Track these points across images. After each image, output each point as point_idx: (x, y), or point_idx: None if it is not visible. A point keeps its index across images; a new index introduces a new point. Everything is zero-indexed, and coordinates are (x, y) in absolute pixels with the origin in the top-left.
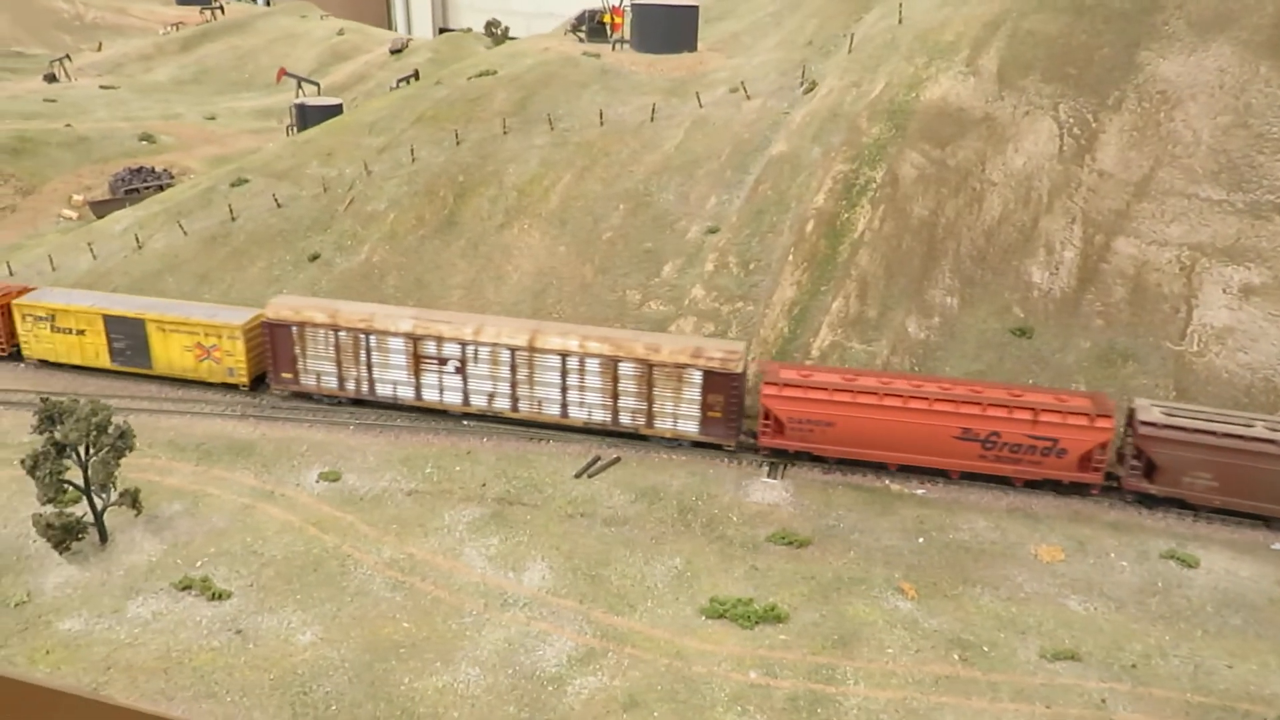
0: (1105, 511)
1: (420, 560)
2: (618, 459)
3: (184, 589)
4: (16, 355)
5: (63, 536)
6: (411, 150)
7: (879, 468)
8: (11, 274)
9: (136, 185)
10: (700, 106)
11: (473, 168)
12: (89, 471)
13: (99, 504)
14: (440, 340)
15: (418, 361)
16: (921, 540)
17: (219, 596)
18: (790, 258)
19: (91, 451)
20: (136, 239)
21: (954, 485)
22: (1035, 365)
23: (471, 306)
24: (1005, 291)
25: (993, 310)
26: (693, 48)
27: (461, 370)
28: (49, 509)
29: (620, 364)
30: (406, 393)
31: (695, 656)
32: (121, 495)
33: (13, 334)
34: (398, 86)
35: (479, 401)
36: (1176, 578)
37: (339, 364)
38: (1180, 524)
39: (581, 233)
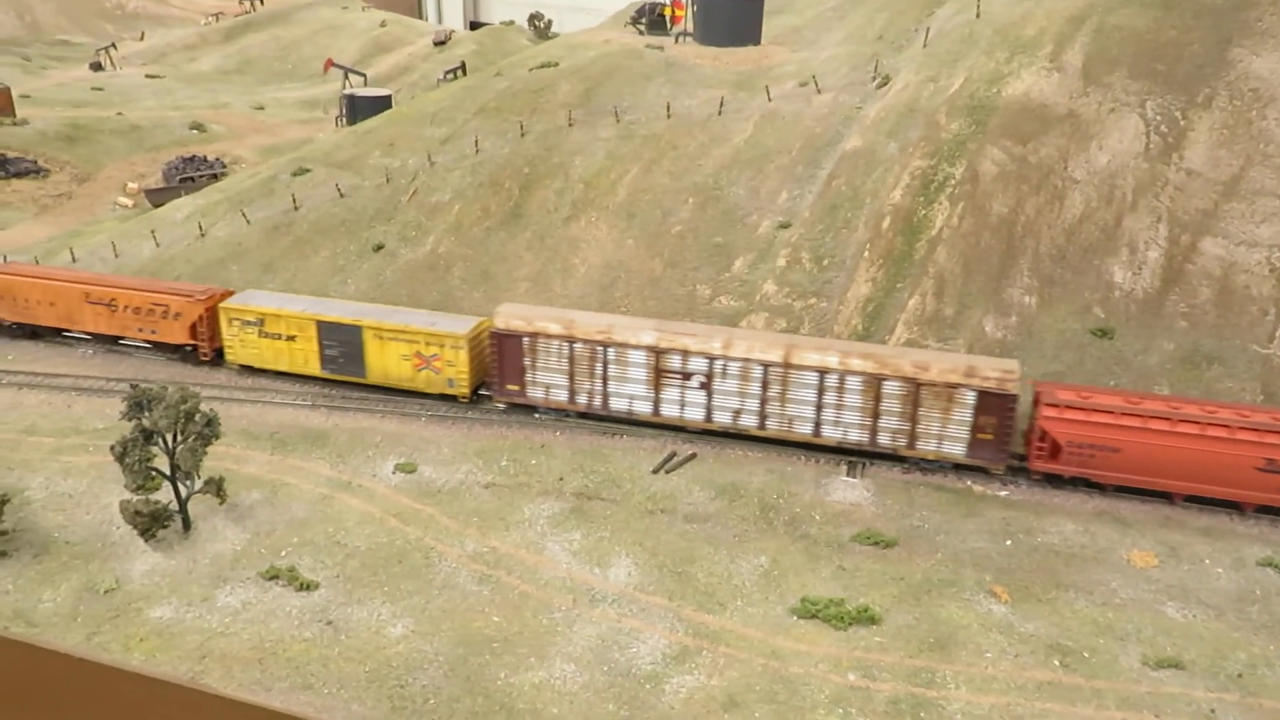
0: (1195, 517)
1: (504, 554)
2: (694, 455)
3: (271, 578)
4: (217, 359)
5: (149, 524)
6: (476, 142)
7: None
8: (74, 260)
9: (190, 173)
10: (769, 100)
11: (538, 159)
12: (176, 459)
13: (184, 491)
14: (686, 354)
15: (659, 376)
16: (1009, 543)
17: (306, 587)
18: (866, 254)
19: (179, 439)
20: (200, 227)
21: (1036, 486)
22: (1116, 367)
23: (539, 299)
24: (1085, 291)
25: (1072, 310)
26: (757, 41)
27: (707, 386)
28: (136, 496)
29: (885, 382)
30: (643, 408)
31: (791, 657)
32: (207, 483)
33: (215, 337)
34: (446, 79)
35: (723, 418)
36: (1276, 585)
37: (571, 377)
38: (1275, 531)
39: (650, 226)
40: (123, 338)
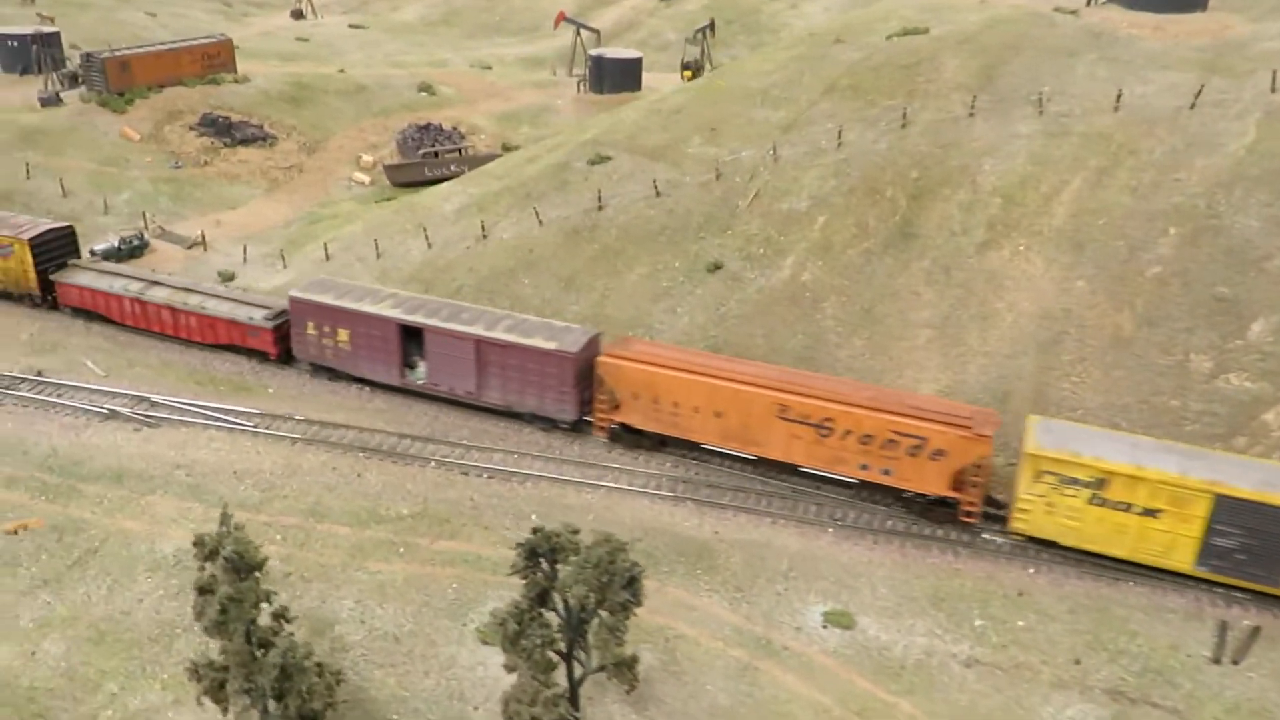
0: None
1: None
2: (1257, 629)
3: None
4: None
5: None
6: (839, 133)
7: None
8: (328, 258)
9: (431, 147)
10: (1275, 91)
11: (929, 160)
12: (580, 635)
13: (579, 671)
14: None
15: None
16: None
17: None
18: None
19: (590, 607)
20: (482, 227)
21: None
22: None
23: (945, 354)
24: None
25: None
26: (1202, 6)
27: None
28: (531, 697)
29: None
30: None
31: None
32: (615, 667)
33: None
34: (697, 38)
35: None
36: None
37: None
38: None
39: (1110, 264)
40: (831, 472)
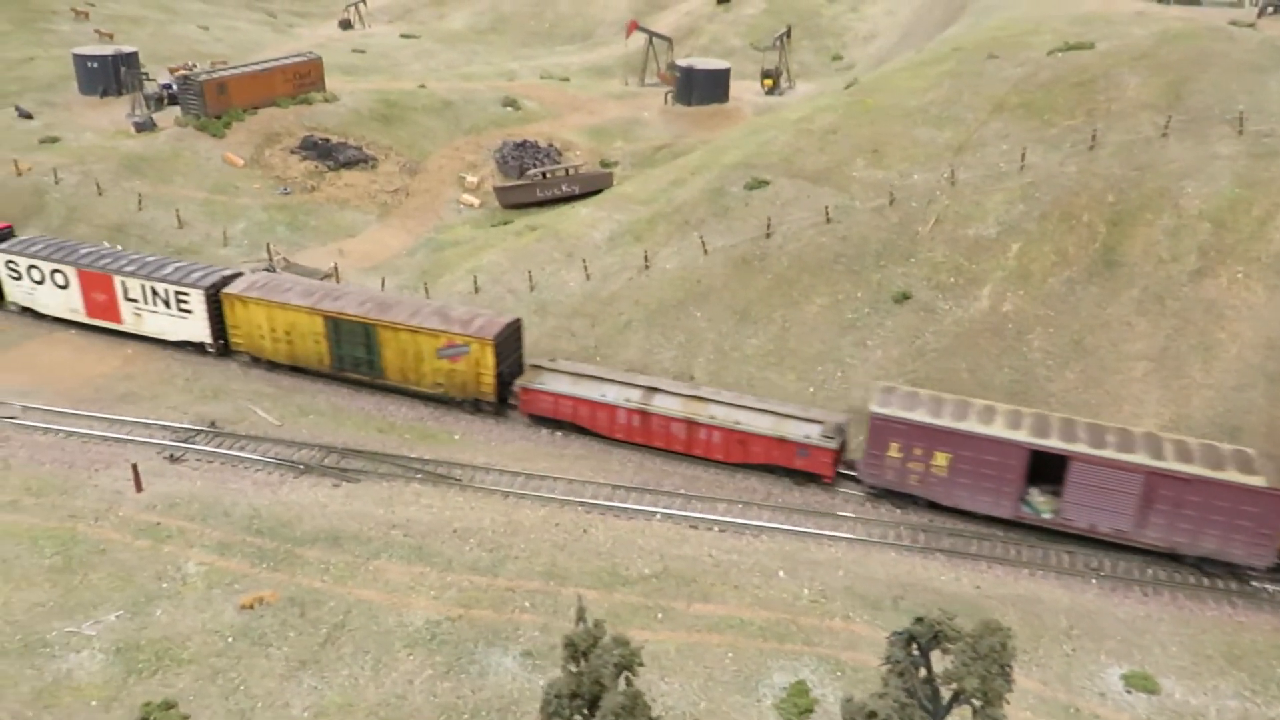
0: None
1: None
2: None
3: None
4: None
5: None
6: (1021, 155)
7: None
8: (476, 290)
9: (543, 169)
10: None
11: (1126, 184)
12: None
13: None
14: None
15: None
16: None
17: None
18: None
19: (964, 700)
20: (645, 257)
21: None
22: None
23: (1166, 388)
24: None
25: None
26: None
27: None
28: None
29: None
30: None
31: None
32: None
33: None
34: (775, 45)
35: None
36: None
37: None
38: None
39: None
40: None
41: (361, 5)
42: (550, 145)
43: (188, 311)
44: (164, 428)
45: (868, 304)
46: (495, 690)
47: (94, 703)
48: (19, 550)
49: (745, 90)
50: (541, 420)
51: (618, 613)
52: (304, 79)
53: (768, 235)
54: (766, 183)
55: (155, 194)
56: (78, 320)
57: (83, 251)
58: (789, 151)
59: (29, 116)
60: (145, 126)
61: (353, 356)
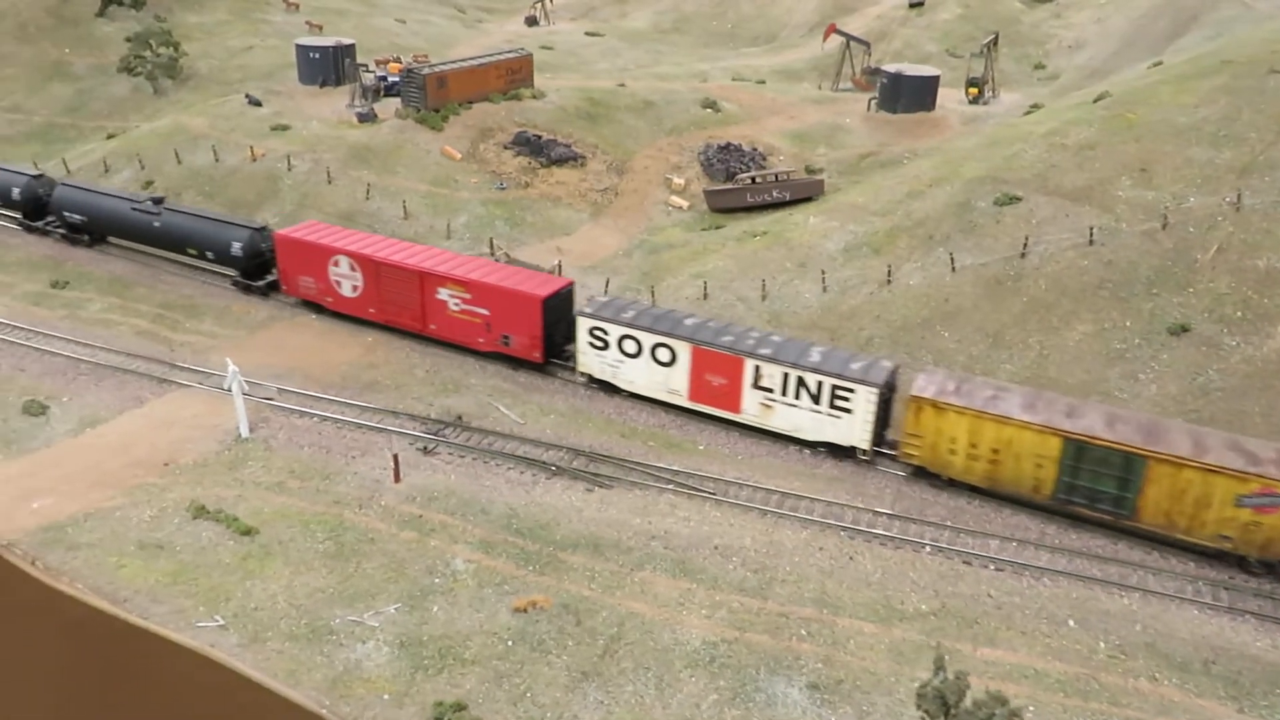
0: None
1: None
2: None
3: None
4: None
5: None
6: None
7: None
8: (706, 296)
9: (753, 173)
10: None
11: None
12: None
13: None
14: None
15: None
16: None
17: None
18: None
19: None
20: (888, 271)
21: None
22: None
23: None
24: None
25: None
26: None
27: None
28: None
29: None
30: None
31: None
32: None
33: None
34: (983, 53)
35: None
36: None
37: None
38: None
39: None
40: None
41: (547, 2)
42: (754, 149)
43: (845, 410)
44: (413, 418)
45: (1138, 334)
46: None
47: (386, 696)
48: (293, 533)
49: (947, 99)
50: None
51: (900, 650)
52: (515, 75)
53: (1022, 255)
54: (1018, 199)
55: (380, 184)
56: (674, 403)
57: (688, 324)
58: (1042, 167)
59: (258, 104)
60: (367, 118)
61: (1092, 489)
